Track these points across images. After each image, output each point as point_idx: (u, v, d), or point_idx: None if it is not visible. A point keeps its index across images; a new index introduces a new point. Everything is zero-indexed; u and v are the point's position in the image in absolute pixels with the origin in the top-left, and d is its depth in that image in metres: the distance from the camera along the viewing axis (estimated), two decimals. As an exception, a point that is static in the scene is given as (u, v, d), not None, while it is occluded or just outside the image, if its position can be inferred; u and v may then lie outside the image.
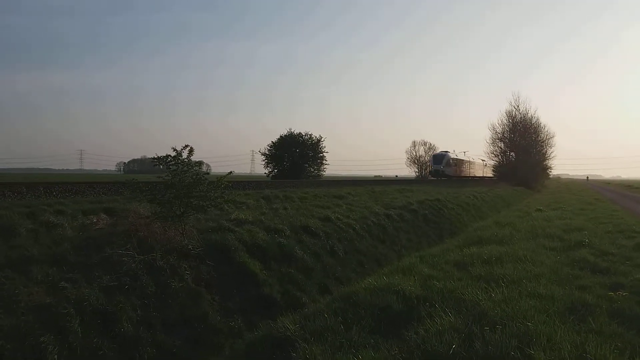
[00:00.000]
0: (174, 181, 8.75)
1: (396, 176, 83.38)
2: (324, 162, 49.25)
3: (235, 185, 18.34)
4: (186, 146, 9.14)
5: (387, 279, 7.58)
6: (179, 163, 8.93)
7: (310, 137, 48.42)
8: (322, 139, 48.73)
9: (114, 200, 11.06)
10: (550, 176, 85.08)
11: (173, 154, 8.98)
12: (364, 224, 13.53)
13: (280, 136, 48.33)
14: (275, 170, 47.84)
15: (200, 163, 9.57)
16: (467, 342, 4.95)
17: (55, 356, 5.11)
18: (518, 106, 62.58)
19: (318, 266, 9.93)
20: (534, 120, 63.04)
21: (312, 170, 48.09)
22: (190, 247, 8.31)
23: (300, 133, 48.25)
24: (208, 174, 9.76)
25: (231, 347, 6.35)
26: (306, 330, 5.48)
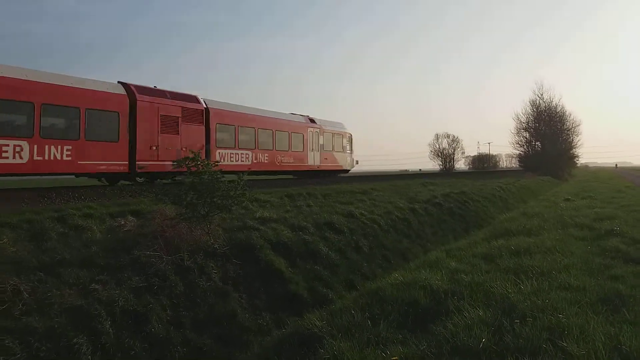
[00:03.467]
0: (195, 182, 8.87)
1: (420, 170, 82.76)
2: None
3: (259, 183, 18.42)
4: (203, 147, 9.35)
5: (413, 273, 7.55)
6: (198, 164, 9.08)
7: (332, 134, 48.39)
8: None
9: (140, 203, 11.22)
10: (578, 165, 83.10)
11: (191, 155, 9.15)
12: (389, 218, 13.46)
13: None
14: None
15: (218, 162, 9.67)
16: (497, 336, 4.90)
17: (89, 357, 5.23)
18: (542, 94, 61.52)
19: (343, 262, 9.93)
20: (559, 109, 61.90)
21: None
22: (216, 246, 8.40)
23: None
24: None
25: (260, 345, 6.40)
26: (333, 327, 5.50)
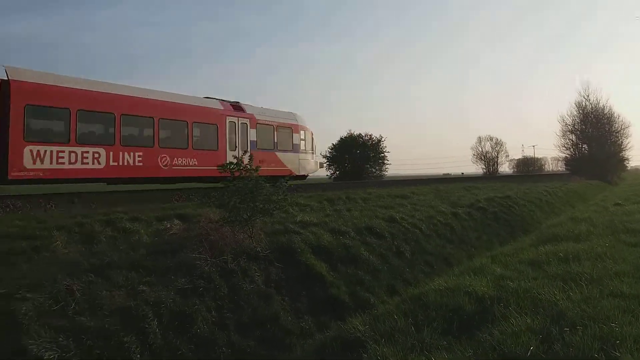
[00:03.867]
0: (238, 186, 9.04)
1: (462, 174, 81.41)
2: (385, 162, 48.88)
3: (298, 188, 18.53)
4: (245, 152, 9.54)
5: (457, 279, 7.45)
6: (241, 169, 9.24)
7: (371, 138, 48.27)
8: (383, 139, 48.28)
9: (186, 207, 11.48)
10: (628, 168, 79.71)
11: (235, 161, 9.34)
12: (430, 223, 13.29)
13: (341, 138, 48.49)
14: (337, 172, 48.05)
15: (258, 167, 9.83)
16: (546, 344, 4.77)
17: (138, 355, 5.39)
18: (588, 96, 59.60)
19: (385, 267, 9.86)
20: (606, 110, 59.79)
21: (373, 170, 47.85)
22: (258, 249, 8.51)
23: (360, 134, 48.23)
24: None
25: (302, 348, 6.44)
26: (376, 332, 5.48)
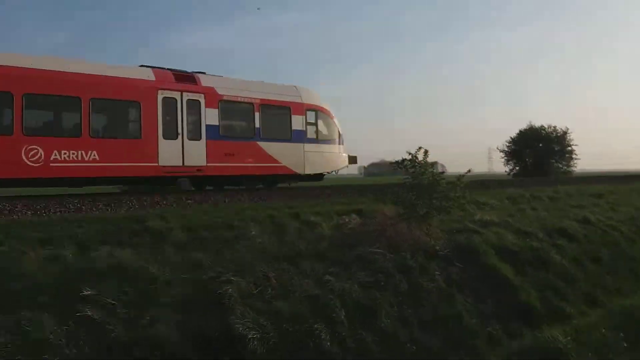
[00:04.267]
0: (414, 183, 8.94)
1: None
2: (573, 156, 44.24)
3: (474, 184, 17.70)
4: (420, 148, 9.32)
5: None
6: (416, 165, 9.10)
7: (555, 130, 44.12)
8: (569, 132, 43.78)
9: (361, 202, 11.73)
10: None
11: (409, 157, 9.21)
12: (633, 225, 11.73)
13: (520, 131, 45.28)
14: (517, 168, 45.03)
15: (433, 163, 9.58)
16: None
17: (328, 343, 5.64)
18: None
19: (580, 273, 8.96)
20: None
21: (559, 166, 43.66)
22: (437, 247, 8.33)
23: (542, 126, 44.40)
24: (443, 173, 9.77)
25: (494, 353, 6.12)
26: (580, 344, 4.95)
